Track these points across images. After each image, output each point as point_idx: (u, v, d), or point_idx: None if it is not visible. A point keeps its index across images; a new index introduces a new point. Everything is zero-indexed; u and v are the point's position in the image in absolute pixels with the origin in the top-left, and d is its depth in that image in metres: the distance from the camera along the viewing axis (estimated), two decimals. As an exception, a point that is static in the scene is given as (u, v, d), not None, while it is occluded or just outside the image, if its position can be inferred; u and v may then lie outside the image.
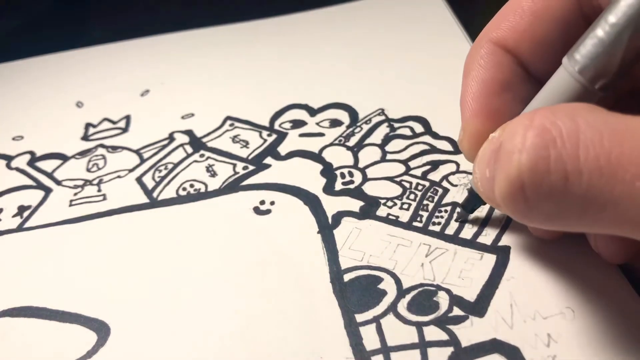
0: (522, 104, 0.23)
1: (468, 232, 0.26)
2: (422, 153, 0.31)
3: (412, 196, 0.28)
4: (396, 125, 0.33)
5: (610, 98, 0.21)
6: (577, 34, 0.20)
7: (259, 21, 0.45)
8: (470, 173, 0.29)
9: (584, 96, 0.20)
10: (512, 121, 0.19)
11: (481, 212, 0.27)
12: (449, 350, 0.22)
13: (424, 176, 0.29)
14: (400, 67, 0.38)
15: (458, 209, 0.27)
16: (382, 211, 0.28)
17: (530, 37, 0.23)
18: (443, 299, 0.24)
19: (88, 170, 0.34)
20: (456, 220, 0.27)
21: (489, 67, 0.24)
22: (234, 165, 0.32)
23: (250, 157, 0.33)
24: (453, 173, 0.29)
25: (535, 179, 0.18)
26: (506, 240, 0.26)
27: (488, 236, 0.26)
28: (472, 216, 0.27)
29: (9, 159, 0.36)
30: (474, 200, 0.26)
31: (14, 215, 0.31)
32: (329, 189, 0.30)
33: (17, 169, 0.35)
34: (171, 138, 0.35)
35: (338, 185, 0.30)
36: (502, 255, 0.25)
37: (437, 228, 0.27)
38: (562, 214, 0.18)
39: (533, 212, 0.19)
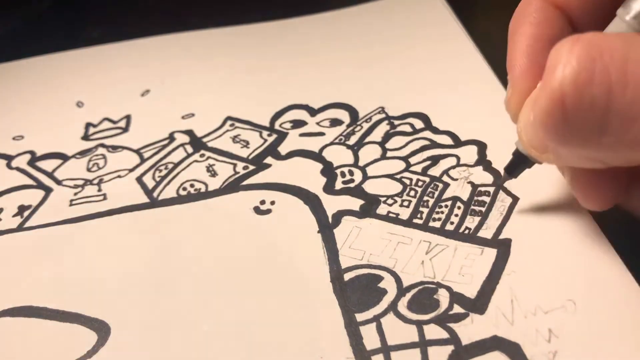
0: None
1: (468, 226, 0.26)
2: (423, 149, 0.31)
3: (412, 193, 0.28)
4: (396, 122, 0.33)
5: None
6: None
7: (260, 24, 0.45)
8: (471, 166, 0.29)
9: None
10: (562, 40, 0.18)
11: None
12: (450, 348, 0.22)
13: (424, 172, 0.29)
14: (401, 64, 0.38)
15: (502, 173, 0.27)
16: (382, 209, 0.28)
17: None
18: (443, 297, 0.24)
19: (88, 170, 0.34)
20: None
21: (538, 23, 0.23)
22: (235, 165, 0.32)
23: (250, 157, 0.33)
24: (453, 167, 0.29)
25: (577, 91, 0.17)
26: (507, 233, 0.26)
27: (489, 229, 0.26)
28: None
29: (9, 158, 0.36)
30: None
31: (14, 215, 0.31)
32: (329, 188, 0.30)
33: (18, 169, 0.35)
34: (171, 138, 0.35)
35: (338, 184, 0.30)
36: (503, 248, 0.25)
37: (437, 224, 0.27)
38: (602, 132, 0.17)
39: (572, 129, 0.18)
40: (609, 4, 0.21)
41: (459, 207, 0.27)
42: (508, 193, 0.27)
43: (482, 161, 0.29)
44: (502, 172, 0.27)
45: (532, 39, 0.23)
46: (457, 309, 0.23)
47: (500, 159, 0.29)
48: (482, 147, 0.30)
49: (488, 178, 0.28)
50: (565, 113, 0.18)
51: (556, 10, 0.23)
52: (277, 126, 0.35)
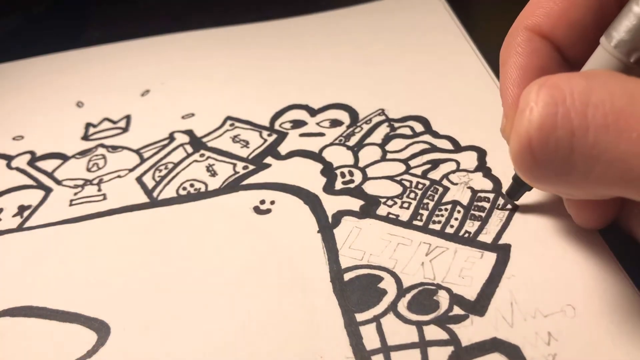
0: None
1: (468, 230, 0.26)
2: (422, 152, 0.31)
3: (412, 195, 0.28)
4: (396, 125, 0.33)
5: None
6: (613, 17, 0.20)
7: (260, 24, 0.45)
8: (471, 171, 0.29)
9: (622, 72, 0.20)
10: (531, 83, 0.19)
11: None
12: (449, 349, 0.22)
13: (424, 175, 0.29)
14: (401, 67, 0.38)
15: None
16: (382, 210, 0.28)
17: (566, 22, 0.23)
18: (443, 298, 0.24)
19: (88, 170, 0.34)
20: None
21: (526, 54, 0.24)
22: (234, 165, 0.32)
23: (250, 157, 0.33)
24: (453, 172, 0.29)
25: (542, 135, 0.18)
26: (507, 238, 0.26)
27: (488, 234, 0.26)
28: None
29: (9, 158, 0.36)
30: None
31: (14, 215, 0.31)
32: (329, 189, 0.30)
33: (17, 169, 0.35)
34: (171, 138, 0.35)
35: (338, 185, 0.30)
36: (503, 253, 0.25)
37: (437, 227, 0.27)
38: (569, 171, 0.18)
39: (541, 170, 0.19)
40: (595, 31, 0.22)
41: (458, 211, 0.27)
42: (508, 200, 0.27)
43: (482, 167, 0.29)
44: (501, 178, 0.28)
45: (521, 70, 0.24)
46: (457, 310, 0.23)
47: (499, 166, 0.29)
48: (481, 153, 0.30)
49: (488, 184, 0.28)
50: (534, 155, 0.19)
51: (543, 40, 0.24)
52: (277, 126, 0.35)
